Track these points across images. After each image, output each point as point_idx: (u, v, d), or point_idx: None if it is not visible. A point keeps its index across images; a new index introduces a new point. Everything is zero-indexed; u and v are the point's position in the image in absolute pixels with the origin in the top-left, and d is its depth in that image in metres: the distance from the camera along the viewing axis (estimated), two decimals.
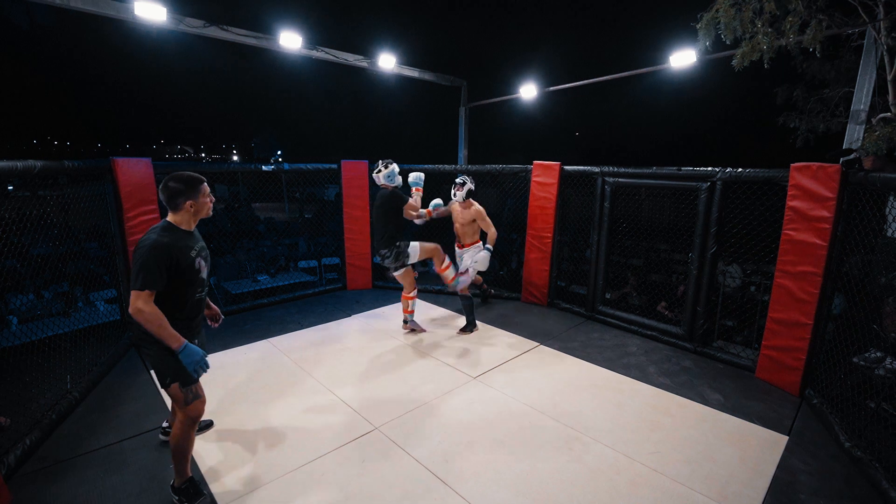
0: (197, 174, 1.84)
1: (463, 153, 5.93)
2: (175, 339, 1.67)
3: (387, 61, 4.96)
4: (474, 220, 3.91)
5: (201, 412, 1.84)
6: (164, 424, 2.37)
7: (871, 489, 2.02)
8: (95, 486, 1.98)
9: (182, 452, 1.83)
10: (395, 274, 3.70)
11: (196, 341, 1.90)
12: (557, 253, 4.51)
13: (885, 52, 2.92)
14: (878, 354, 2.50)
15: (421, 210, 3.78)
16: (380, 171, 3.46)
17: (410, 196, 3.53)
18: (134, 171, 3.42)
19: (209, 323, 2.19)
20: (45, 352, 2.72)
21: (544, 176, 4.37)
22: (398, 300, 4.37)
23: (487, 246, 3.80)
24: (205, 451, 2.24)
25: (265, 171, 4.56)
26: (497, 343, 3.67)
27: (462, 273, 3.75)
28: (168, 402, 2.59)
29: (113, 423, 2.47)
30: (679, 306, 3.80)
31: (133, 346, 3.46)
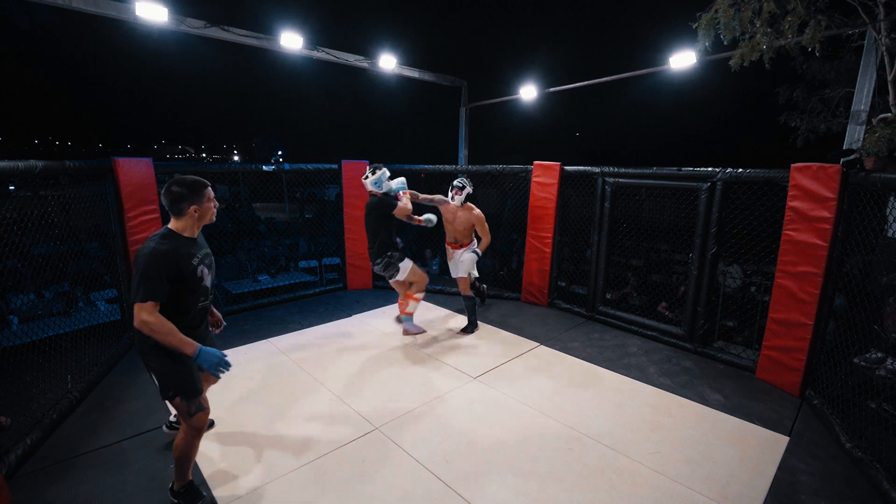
0: (201, 178, 1.78)
1: (463, 153, 5.93)
2: (189, 346, 1.63)
3: (387, 62, 4.97)
4: (473, 225, 3.77)
5: (205, 423, 1.80)
6: (171, 419, 2.35)
7: (871, 490, 2.02)
8: (96, 486, 1.98)
9: (185, 460, 1.82)
10: (391, 282, 3.67)
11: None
12: (558, 253, 4.51)
13: (885, 53, 2.92)
14: (879, 355, 2.50)
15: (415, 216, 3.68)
16: (367, 177, 3.39)
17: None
18: (135, 171, 3.42)
19: (210, 329, 2.12)
20: (46, 351, 2.72)
21: (544, 176, 4.37)
22: (395, 301, 4.37)
23: (476, 249, 3.74)
24: (205, 451, 2.24)
25: (266, 172, 4.57)
26: (497, 343, 3.67)
27: (410, 314, 3.65)
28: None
29: (113, 422, 2.47)
30: (679, 306, 3.80)
31: (133, 347, 3.47)
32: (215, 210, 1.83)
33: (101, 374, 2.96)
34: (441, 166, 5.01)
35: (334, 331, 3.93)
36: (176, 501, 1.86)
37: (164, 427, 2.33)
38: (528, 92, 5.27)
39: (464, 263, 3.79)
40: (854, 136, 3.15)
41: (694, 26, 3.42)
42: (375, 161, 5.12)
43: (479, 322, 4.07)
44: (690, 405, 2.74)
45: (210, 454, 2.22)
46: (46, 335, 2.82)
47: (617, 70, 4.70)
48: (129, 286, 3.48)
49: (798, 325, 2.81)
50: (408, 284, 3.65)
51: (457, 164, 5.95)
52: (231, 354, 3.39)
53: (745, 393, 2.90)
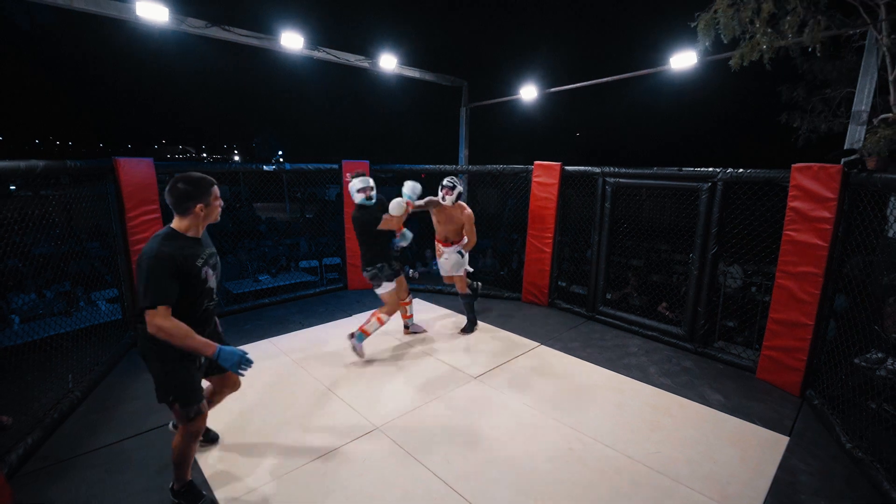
0: (207, 175, 1.72)
1: (464, 153, 5.94)
2: (207, 346, 1.58)
3: (388, 62, 4.97)
4: (464, 225, 3.65)
5: (202, 427, 1.79)
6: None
7: (872, 490, 2.02)
8: (96, 486, 1.99)
9: (183, 462, 1.81)
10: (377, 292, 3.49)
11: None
12: (558, 253, 4.51)
13: (886, 53, 2.91)
14: (880, 355, 2.50)
15: (406, 232, 3.38)
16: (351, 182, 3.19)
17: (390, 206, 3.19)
18: (136, 171, 3.42)
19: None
20: (47, 351, 2.73)
21: (545, 176, 4.37)
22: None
23: (460, 249, 3.66)
24: (205, 451, 2.24)
25: (266, 171, 4.57)
26: (498, 343, 3.67)
27: (367, 333, 3.34)
28: None
29: (114, 422, 2.48)
30: (680, 307, 3.80)
31: (134, 346, 3.47)
32: (220, 209, 1.78)
33: (102, 374, 2.97)
34: (441, 166, 5.01)
35: (335, 331, 3.93)
36: (176, 501, 1.86)
37: (169, 426, 2.31)
38: (529, 92, 5.27)
39: (448, 262, 3.73)
40: (855, 136, 3.15)
41: (693, 26, 3.42)
42: (377, 161, 5.14)
43: (479, 322, 4.07)
44: (691, 405, 2.74)
45: (210, 454, 2.23)
46: (47, 335, 2.82)
47: (617, 70, 4.70)
48: (130, 286, 3.49)
49: (798, 326, 2.81)
50: (404, 287, 3.58)
51: (457, 164, 5.95)
52: None
53: (745, 393, 2.90)
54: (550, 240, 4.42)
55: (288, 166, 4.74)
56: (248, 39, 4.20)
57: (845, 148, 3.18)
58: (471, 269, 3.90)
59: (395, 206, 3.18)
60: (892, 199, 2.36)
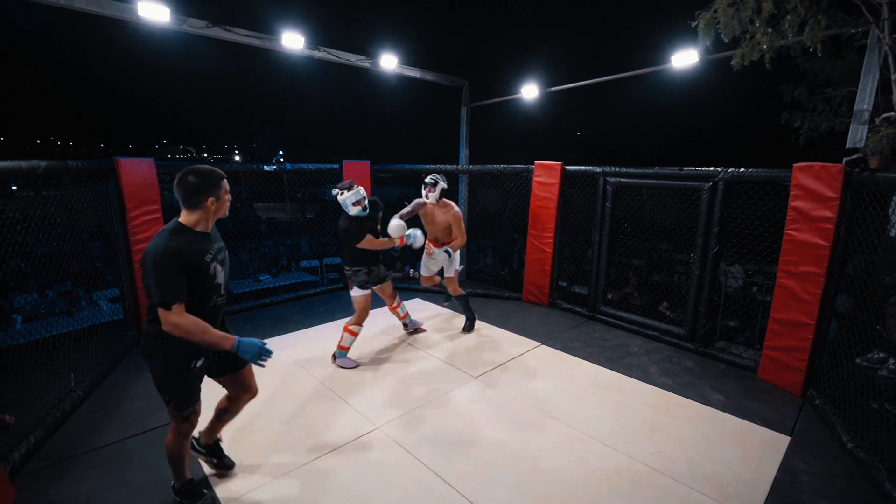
0: (217, 168, 1.67)
1: (464, 153, 5.93)
2: (227, 340, 1.56)
3: (388, 61, 4.97)
4: (450, 225, 3.58)
5: (195, 425, 1.79)
6: (196, 435, 2.06)
7: (873, 490, 2.02)
8: (98, 484, 1.99)
9: (177, 459, 1.81)
10: (375, 290, 3.45)
11: (214, 354, 1.77)
12: (559, 253, 4.51)
13: (888, 52, 2.91)
14: (881, 355, 2.50)
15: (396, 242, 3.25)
16: (341, 193, 3.05)
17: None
18: (137, 170, 3.43)
19: None
20: (49, 350, 2.73)
21: (546, 176, 4.37)
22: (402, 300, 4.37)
23: (447, 248, 3.57)
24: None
25: (267, 171, 4.58)
26: (498, 342, 3.67)
27: (346, 348, 3.25)
28: None
29: (116, 421, 2.48)
30: (681, 306, 3.79)
31: (136, 346, 3.48)
32: (229, 203, 1.73)
33: (104, 373, 2.97)
34: (442, 166, 5.00)
35: (335, 331, 3.92)
36: (178, 499, 1.86)
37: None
38: (530, 91, 5.26)
39: (435, 263, 3.66)
40: (857, 135, 3.14)
41: (693, 25, 3.42)
42: (377, 161, 5.14)
43: (480, 321, 4.07)
44: (692, 405, 2.74)
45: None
46: (50, 334, 2.83)
47: (618, 70, 4.70)
48: (132, 286, 3.49)
49: (800, 326, 2.81)
50: (390, 293, 3.51)
51: (458, 163, 5.95)
52: None
53: (746, 393, 2.90)
54: (551, 239, 4.42)
55: (288, 166, 4.74)
56: (248, 39, 4.20)
57: (847, 147, 3.17)
58: (460, 268, 3.83)
59: (395, 229, 3.25)
60: (894, 198, 2.35)
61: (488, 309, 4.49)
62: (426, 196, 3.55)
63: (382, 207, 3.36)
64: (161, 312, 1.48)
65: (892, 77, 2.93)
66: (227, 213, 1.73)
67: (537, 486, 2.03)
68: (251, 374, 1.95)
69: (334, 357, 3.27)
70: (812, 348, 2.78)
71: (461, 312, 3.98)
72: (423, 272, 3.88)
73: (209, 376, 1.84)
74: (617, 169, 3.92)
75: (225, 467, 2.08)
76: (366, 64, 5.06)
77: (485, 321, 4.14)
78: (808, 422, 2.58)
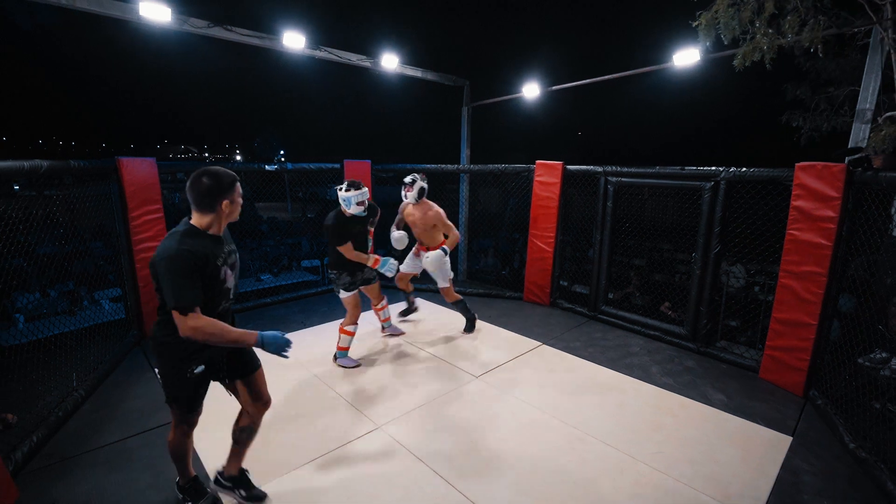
0: (230, 170, 1.62)
1: (465, 153, 5.93)
2: (248, 335, 1.54)
3: (389, 61, 4.97)
4: (435, 226, 3.47)
5: (195, 424, 1.79)
6: (219, 468, 1.94)
7: (875, 490, 2.01)
8: (100, 483, 2.00)
9: (180, 456, 1.81)
10: (363, 290, 3.41)
11: (223, 360, 1.73)
12: (560, 252, 4.50)
13: (891, 51, 2.90)
14: (884, 355, 2.49)
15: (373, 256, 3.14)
16: (341, 188, 3.01)
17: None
18: (139, 170, 3.43)
19: None
20: (51, 350, 2.74)
21: (547, 175, 4.37)
22: (401, 300, 4.38)
23: (444, 247, 3.42)
24: (208, 450, 2.25)
25: (268, 171, 4.58)
26: (499, 342, 3.67)
27: (344, 348, 3.24)
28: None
29: (118, 420, 2.49)
30: (682, 306, 3.79)
31: (137, 345, 3.48)
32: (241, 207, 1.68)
33: (106, 373, 2.98)
34: (443, 166, 5.00)
35: (336, 330, 3.93)
36: (182, 496, 1.87)
37: (213, 484, 1.97)
38: (531, 91, 5.26)
39: (429, 265, 3.45)
40: (859, 134, 3.13)
41: (694, 25, 3.41)
42: (378, 161, 5.14)
43: (481, 321, 4.07)
44: (693, 405, 2.73)
45: (214, 452, 2.23)
46: (52, 334, 2.84)
47: (619, 69, 4.69)
48: (134, 285, 3.50)
49: (802, 325, 2.80)
50: (377, 293, 3.46)
51: (459, 163, 5.95)
52: None
53: (748, 393, 2.89)
54: (552, 239, 4.42)
55: (290, 166, 4.75)
56: (250, 39, 4.21)
57: (850, 146, 3.16)
58: (452, 276, 3.68)
59: (397, 240, 3.32)
60: None
61: (489, 309, 4.49)
62: (405, 196, 3.46)
63: (379, 213, 3.32)
64: (178, 317, 1.44)
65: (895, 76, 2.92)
66: (238, 216, 1.69)
67: (538, 486, 2.02)
68: (264, 380, 1.87)
69: (335, 358, 3.27)
70: (814, 348, 2.77)
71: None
72: (402, 266, 3.73)
73: (221, 383, 1.79)
74: (618, 168, 3.92)
75: (255, 499, 1.90)
76: (367, 64, 5.06)
77: (486, 321, 4.14)
78: (810, 422, 2.58)
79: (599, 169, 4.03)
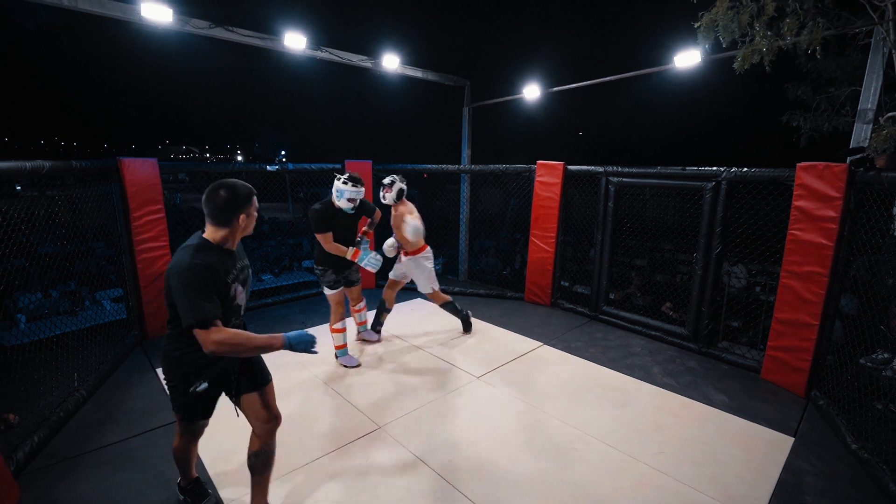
0: (246, 183, 1.57)
1: (466, 153, 5.93)
2: (274, 340, 1.48)
3: (390, 61, 4.97)
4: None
5: (199, 433, 1.78)
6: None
7: (877, 491, 2.01)
8: (102, 483, 2.00)
9: (184, 461, 1.81)
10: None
11: (234, 374, 1.66)
12: (561, 253, 4.50)
13: (893, 51, 2.89)
14: (886, 356, 2.49)
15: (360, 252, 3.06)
16: (338, 177, 2.94)
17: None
18: (140, 171, 3.44)
19: None
20: (53, 350, 2.75)
21: (548, 176, 4.36)
22: (401, 300, 4.38)
23: (417, 258, 3.36)
24: (210, 450, 2.25)
25: (269, 171, 4.58)
26: (500, 343, 3.67)
27: (341, 346, 3.22)
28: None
29: (119, 420, 2.49)
30: (684, 307, 3.78)
31: (139, 346, 3.49)
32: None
33: (107, 373, 2.99)
34: (444, 166, 5.00)
35: None
36: (183, 497, 1.87)
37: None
38: (532, 91, 5.26)
39: (412, 270, 3.39)
40: (861, 134, 3.12)
41: (696, 25, 3.41)
42: (379, 161, 5.14)
43: (482, 322, 4.07)
44: (695, 405, 2.73)
45: (215, 453, 2.23)
46: (53, 334, 2.85)
47: (620, 70, 4.69)
48: (135, 285, 3.50)
49: (803, 326, 2.80)
50: (356, 296, 3.39)
51: (460, 163, 5.94)
52: None
53: (749, 393, 2.88)
54: (553, 239, 4.41)
55: (291, 166, 4.75)
56: (251, 40, 4.21)
57: (851, 147, 3.15)
58: (438, 287, 3.58)
59: (387, 248, 3.32)
60: None
61: (490, 309, 4.49)
62: (383, 198, 3.35)
63: (379, 215, 3.26)
64: (199, 334, 1.39)
65: None
66: (253, 230, 1.63)
67: (539, 487, 2.02)
68: (274, 394, 1.80)
69: (336, 357, 3.27)
70: (816, 349, 2.76)
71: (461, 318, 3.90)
72: (391, 273, 3.65)
73: (233, 399, 1.71)
74: (619, 168, 3.91)
75: None
76: (368, 64, 5.06)
77: (487, 321, 4.14)
78: (812, 422, 2.57)
79: (600, 169, 4.03)
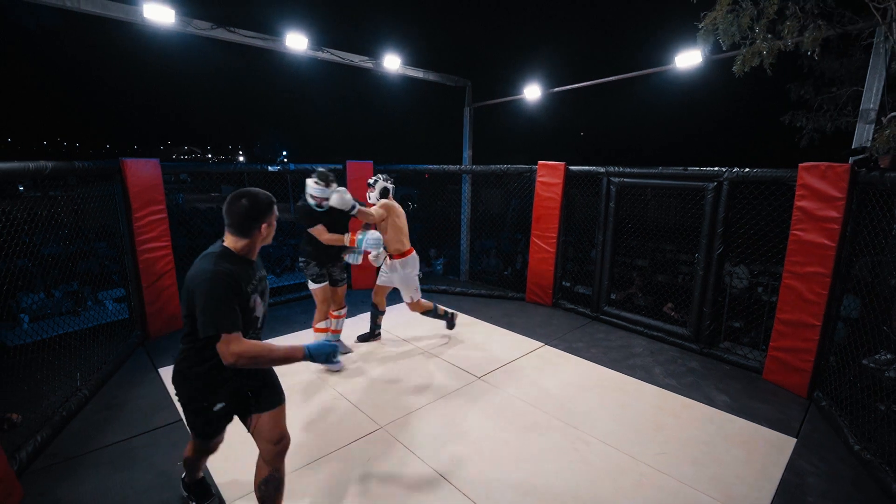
0: (266, 192, 1.54)
1: (467, 153, 5.93)
2: (294, 351, 1.47)
3: (392, 62, 4.97)
4: (387, 227, 3.23)
5: (212, 450, 1.79)
6: None
7: (880, 492, 2.00)
8: (104, 483, 2.01)
9: (192, 464, 1.83)
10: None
11: (249, 393, 1.59)
12: (562, 253, 4.50)
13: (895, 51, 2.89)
14: (888, 356, 2.48)
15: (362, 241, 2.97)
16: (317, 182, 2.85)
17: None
18: (142, 171, 3.45)
19: None
20: (56, 350, 2.76)
21: (549, 176, 4.36)
22: (402, 300, 4.38)
23: (397, 263, 3.28)
24: (220, 465, 2.25)
25: (271, 172, 4.59)
26: (501, 343, 3.67)
27: (336, 337, 3.20)
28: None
29: (121, 420, 2.50)
30: (685, 307, 3.78)
31: (141, 346, 3.50)
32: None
33: (110, 373, 2.99)
34: (445, 166, 5.01)
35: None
36: (186, 494, 1.88)
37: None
38: (533, 92, 5.26)
39: (398, 282, 3.34)
40: (863, 135, 3.11)
41: (700, 26, 3.40)
42: (380, 162, 5.15)
43: (484, 322, 4.07)
44: (696, 406, 2.72)
45: (225, 468, 2.23)
46: (56, 334, 2.86)
47: (621, 70, 4.69)
48: (137, 286, 3.51)
49: (806, 326, 2.79)
50: (339, 300, 3.28)
51: (461, 164, 5.95)
52: None
53: (751, 394, 2.88)
54: (554, 240, 4.41)
55: (292, 167, 4.76)
56: (252, 40, 4.22)
57: (853, 147, 3.15)
58: (419, 298, 3.49)
59: (374, 258, 3.12)
60: None
61: (492, 309, 4.49)
62: (368, 197, 3.29)
63: (353, 208, 3.04)
64: (221, 344, 1.37)
65: None
66: (272, 240, 1.61)
67: (540, 487, 2.02)
68: (285, 415, 1.70)
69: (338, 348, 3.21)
70: (818, 349, 2.76)
71: (463, 313, 3.93)
72: (377, 280, 3.55)
73: (243, 419, 1.65)
74: (621, 169, 3.91)
75: None
76: (369, 65, 5.06)
77: (488, 321, 4.14)
78: (814, 423, 2.56)
79: (602, 169, 4.03)
